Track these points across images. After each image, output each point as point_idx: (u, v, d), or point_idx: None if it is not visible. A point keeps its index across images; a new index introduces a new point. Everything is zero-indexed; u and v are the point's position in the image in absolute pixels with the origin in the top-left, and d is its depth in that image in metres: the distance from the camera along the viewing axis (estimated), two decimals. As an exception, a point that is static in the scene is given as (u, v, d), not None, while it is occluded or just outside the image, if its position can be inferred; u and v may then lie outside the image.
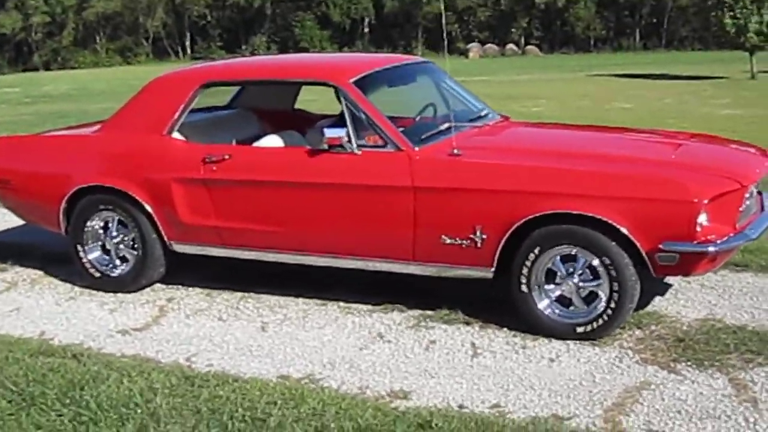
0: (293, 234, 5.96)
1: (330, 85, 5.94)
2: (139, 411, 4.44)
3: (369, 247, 5.81)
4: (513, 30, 67.61)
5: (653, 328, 5.51)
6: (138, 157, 6.35)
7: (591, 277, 5.33)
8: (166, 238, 6.34)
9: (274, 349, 5.45)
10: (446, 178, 5.50)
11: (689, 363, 5.00)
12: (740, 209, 5.24)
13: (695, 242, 5.06)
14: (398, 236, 5.66)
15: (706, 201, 5.03)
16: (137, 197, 6.28)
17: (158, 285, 6.63)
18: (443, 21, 46.90)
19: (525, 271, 5.40)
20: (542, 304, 5.42)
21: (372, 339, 5.55)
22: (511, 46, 65.64)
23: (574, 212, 5.18)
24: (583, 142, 6.14)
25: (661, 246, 5.09)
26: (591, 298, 5.37)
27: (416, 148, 5.64)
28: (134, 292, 6.54)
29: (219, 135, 6.55)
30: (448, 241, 5.53)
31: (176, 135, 6.31)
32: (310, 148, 5.98)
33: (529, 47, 65.83)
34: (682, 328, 5.49)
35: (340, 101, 5.89)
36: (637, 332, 5.45)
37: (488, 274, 5.55)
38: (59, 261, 7.16)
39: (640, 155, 5.59)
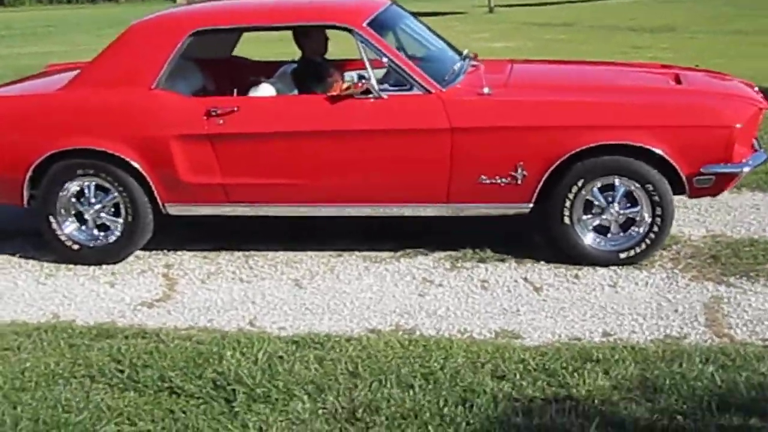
0: (314, 185, 5.72)
1: (345, 29, 5.71)
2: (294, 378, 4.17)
3: (399, 193, 5.71)
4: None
5: (674, 248, 5.85)
6: (124, 114, 5.80)
7: (629, 205, 5.55)
8: (160, 201, 5.87)
9: (332, 305, 5.26)
10: (485, 118, 5.50)
11: (738, 277, 5.38)
12: (757, 131, 5.66)
13: (731, 164, 5.42)
14: (433, 179, 5.61)
15: (739, 125, 5.39)
16: (127, 158, 5.74)
17: (140, 252, 6.14)
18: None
19: (567, 203, 5.54)
20: (585, 235, 5.59)
21: (422, 284, 5.49)
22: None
23: (621, 143, 5.37)
24: (599, 76, 6.35)
25: (701, 169, 5.41)
26: (627, 224, 5.61)
27: (444, 89, 5.59)
28: (118, 262, 6.01)
29: (197, 86, 6.11)
30: (487, 180, 5.55)
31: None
32: (330, 94, 5.74)
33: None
34: (702, 246, 5.86)
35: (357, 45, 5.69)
36: (665, 254, 5.76)
37: (526, 209, 5.64)
38: (8, 236, 6.44)
39: (664, 85, 5.86)
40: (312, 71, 6.40)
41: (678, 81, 5.91)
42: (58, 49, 22.66)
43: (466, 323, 4.94)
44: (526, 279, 5.50)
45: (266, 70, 6.83)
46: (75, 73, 6.20)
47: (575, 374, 4.09)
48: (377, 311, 5.15)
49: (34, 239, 6.36)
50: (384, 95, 5.56)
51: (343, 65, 6.80)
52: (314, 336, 4.69)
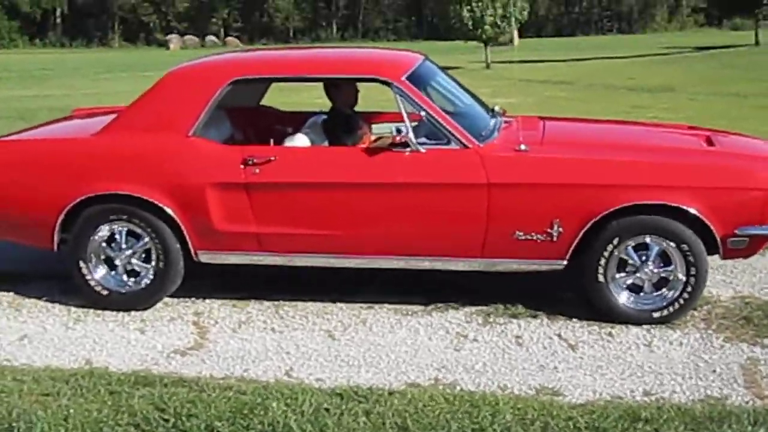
0: (348, 236, 5.72)
1: (384, 82, 5.76)
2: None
3: (433, 246, 5.72)
4: (213, 20, 67.13)
5: (705, 309, 5.86)
6: (160, 161, 5.80)
7: (662, 264, 5.58)
8: (192, 248, 5.85)
9: (368, 358, 5.24)
10: (522, 174, 5.54)
11: (772, 338, 5.40)
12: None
13: (765, 226, 5.46)
14: (468, 234, 5.62)
15: (772, 188, 5.45)
16: (161, 204, 5.74)
17: (168, 299, 6.10)
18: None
19: (602, 261, 5.56)
20: (619, 293, 5.60)
21: (457, 339, 5.48)
22: (211, 37, 65.13)
23: (658, 203, 5.41)
24: (633, 135, 6.41)
25: (736, 231, 5.45)
26: (659, 284, 5.62)
27: (482, 145, 5.63)
28: (147, 308, 5.97)
29: (230, 134, 6.12)
30: (523, 236, 5.57)
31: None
32: (367, 146, 5.77)
33: (229, 38, 65.64)
34: (733, 308, 5.87)
35: (395, 99, 5.73)
36: (696, 314, 5.77)
37: (560, 266, 5.65)
38: (37, 279, 6.42)
39: (698, 146, 5.92)
40: (342, 123, 6.44)
41: (710, 142, 5.97)
42: (58, 92, 22.75)
43: (505, 379, 4.92)
44: (560, 336, 5.50)
45: (294, 120, 6.88)
46: (108, 117, 6.22)
47: (627, 434, 4.07)
48: (414, 365, 5.13)
49: (60, 283, 6.33)
50: (422, 149, 5.59)
51: (370, 118, 6.84)
52: (356, 389, 4.66)
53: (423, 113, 5.66)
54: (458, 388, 4.79)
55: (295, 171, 5.70)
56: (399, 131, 5.58)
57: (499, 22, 29.17)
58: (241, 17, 68.72)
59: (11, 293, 6.31)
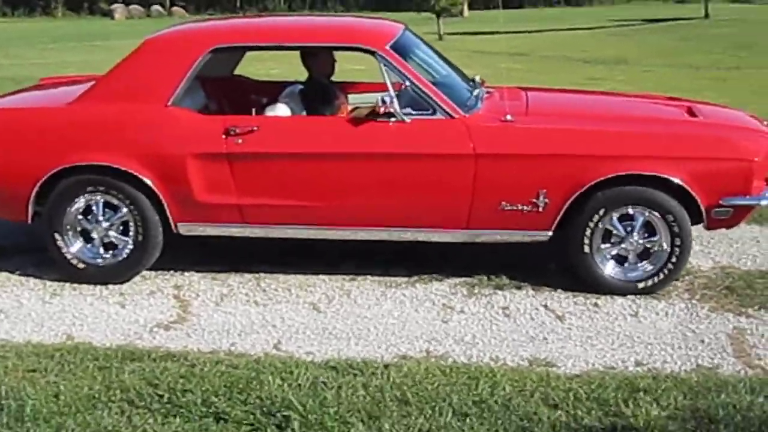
0: (331, 207, 5.64)
1: (367, 50, 5.68)
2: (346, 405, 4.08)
3: (417, 217, 5.66)
4: (158, -10, 65.90)
5: (687, 279, 5.88)
6: (139, 131, 5.66)
7: (647, 235, 5.58)
8: (171, 220, 5.73)
9: (356, 330, 5.18)
10: (509, 145, 5.49)
11: (756, 308, 5.43)
12: (769, 164, 5.74)
13: (749, 196, 5.49)
14: (453, 204, 5.58)
15: (758, 158, 5.48)
16: (141, 176, 5.60)
17: (146, 272, 5.96)
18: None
19: (588, 232, 5.55)
20: (605, 264, 5.60)
21: (444, 311, 5.44)
22: (156, 6, 63.94)
23: (645, 173, 5.40)
24: (616, 106, 6.39)
25: (720, 201, 5.47)
26: (644, 255, 5.63)
27: (467, 115, 5.57)
28: (125, 282, 5.84)
29: (208, 104, 5.99)
30: (508, 207, 5.54)
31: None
32: (352, 116, 5.69)
33: (174, 8, 64.44)
34: (714, 278, 5.91)
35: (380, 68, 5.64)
36: (679, 285, 5.80)
37: (545, 237, 5.64)
38: (8, 253, 6.28)
39: (682, 117, 5.91)
40: (320, 93, 6.34)
41: (691, 113, 5.97)
42: (5, 62, 22.20)
43: (496, 351, 4.91)
44: (546, 306, 5.49)
45: (269, 89, 6.76)
46: (81, 86, 6.05)
47: (628, 404, 4.07)
48: (403, 337, 5.09)
49: (33, 256, 6.17)
50: (407, 119, 5.52)
51: (346, 88, 6.75)
52: (350, 362, 4.61)
53: (407, 83, 5.58)
54: (450, 360, 4.76)
55: (279, 141, 5.59)
56: (383, 101, 5.49)
57: (453, -6, 29.05)
58: (187, -14, 67.49)
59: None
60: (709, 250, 6.45)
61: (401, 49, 5.77)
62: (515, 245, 5.80)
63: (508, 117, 5.56)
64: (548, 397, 4.16)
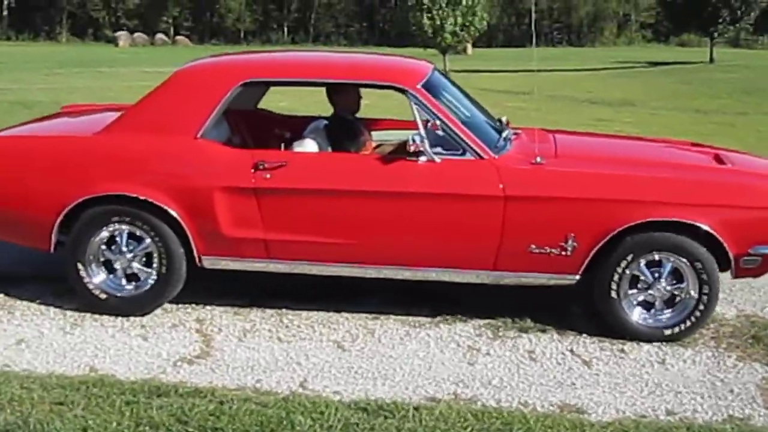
0: (359, 245, 5.61)
1: (400, 89, 5.67)
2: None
3: (446, 258, 5.63)
4: (163, 19, 66.40)
5: (712, 327, 5.84)
6: (167, 163, 5.64)
7: (674, 282, 5.55)
8: (196, 253, 5.68)
9: (382, 370, 5.13)
10: (539, 187, 5.47)
11: (783, 358, 5.40)
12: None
13: (778, 245, 5.47)
14: (481, 245, 5.54)
15: (787, 207, 5.46)
16: (167, 208, 5.56)
17: (167, 305, 5.91)
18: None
19: (616, 277, 5.51)
20: (632, 310, 5.57)
21: (469, 353, 5.40)
22: (160, 35, 64.34)
23: (675, 219, 5.38)
24: (644, 151, 6.38)
25: (749, 250, 5.44)
26: (670, 302, 5.60)
27: (496, 156, 5.56)
28: (146, 314, 5.79)
29: (235, 137, 5.97)
30: (536, 249, 5.51)
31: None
32: (382, 154, 5.67)
33: (179, 37, 64.91)
34: (740, 326, 5.87)
35: (410, 106, 5.64)
36: (704, 332, 5.75)
37: (572, 280, 5.60)
38: (28, 281, 6.20)
39: (711, 164, 5.90)
40: (345, 128, 6.33)
41: (719, 160, 5.97)
42: (14, 86, 22.24)
43: (525, 395, 4.85)
44: (572, 351, 5.44)
45: (293, 124, 6.75)
46: (107, 115, 6.04)
47: (667, 455, 4.02)
48: (429, 378, 5.03)
49: (52, 285, 6.12)
50: (437, 158, 5.50)
51: (369, 124, 6.74)
52: (381, 403, 4.55)
53: (438, 122, 5.56)
54: (480, 403, 4.71)
55: (308, 177, 5.57)
56: (414, 140, 5.48)
57: (458, 31, 29.20)
58: (191, 16, 68.03)
59: (1, 294, 6.06)
60: (732, 297, 6.41)
61: (432, 89, 5.77)
62: (536, 287, 5.76)
63: (538, 159, 5.55)
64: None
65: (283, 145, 6.05)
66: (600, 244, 5.45)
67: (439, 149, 5.57)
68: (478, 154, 5.52)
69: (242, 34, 67.73)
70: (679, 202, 5.43)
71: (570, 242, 5.47)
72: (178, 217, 5.59)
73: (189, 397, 4.56)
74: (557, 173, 5.53)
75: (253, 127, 6.55)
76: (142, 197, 5.57)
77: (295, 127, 6.62)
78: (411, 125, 6.64)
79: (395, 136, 6.77)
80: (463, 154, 5.55)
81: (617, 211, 5.41)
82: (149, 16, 65.77)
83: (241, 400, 4.53)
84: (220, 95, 5.66)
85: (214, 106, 5.65)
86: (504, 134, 5.93)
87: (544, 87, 25.46)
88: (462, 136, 5.55)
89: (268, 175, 5.53)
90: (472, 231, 5.52)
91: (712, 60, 33.82)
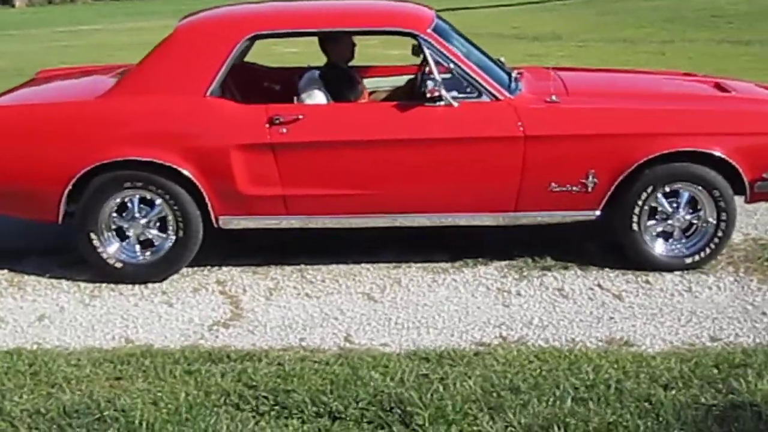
0: (380, 195, 5.54)
1: (410, 34, 5.58)
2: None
3: (466, 202, 5.60)
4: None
5: (725, 252, 5.93)
6: (177, 123, 5.47)
7: (692, 211, 5.63)
8: (213, 214, 5.54)
9: (421, 319, 5.12)
10: (557, 126, 5.47)
11: (805, 278, 5.54)
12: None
13: (792, 169, 5.58)
14: (503, 187, 5.53)
15: (800, 132, 5.57)
16: (182, 170, 5.40)
17: (183, 269, 5.76)
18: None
19: (636, 210, 5.56)
20: (653, 241, 5.63)
21: (500, 295, 5.41)
22: (58, -7, 62.35)
23: (692, 150, 5.44)
24: (649, 84, 6.41)
25: (763, 174, 5.54)
26: (688, 230, 5.68)
27: (512, 97, 5.53)
28: (163, 280, 5.64)
29: (245, 93, 5.82)
30: (557, 188, 5.52)
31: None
32: (398, 102, 5.59)
33: (78, -5, 62.97)
34: (750, 250, 5.98)
35: (421, 51, 5.56)
36: (719, 258, 5.85)
37: (593, 216, 5.64)
38: (22, 255, 5.98)
39: (716, 93, 5.95)
40: (342, 78, 6.21)
41: (721, 88, 6.03)
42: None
43: (569, 333, 4.91)
44: (600, 286, 5.50)
45: (283, 76, 6.62)
46: (103, 79, 5.83)
47: (739, 380, 4.08)
48: (471, 324, 5.04)
49: (54, 257, 5.92)
50: (455, 103, 5.44)
51: (360, 72, 6.63)
52: (439, 351, 4.54)
53: (452, 65, 5.50)
54: (530, 344, 4.73)
55: (326, 129, 5.47)
56: (430, 85, 5.40)
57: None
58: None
59: (5, 270, 5.84)
60: (733, 222, 6.53)
61: (441, 33, 5.68)
62: (552, 225, 5.78)
63: (554, 98, 5.54)
64: (655, 378, 4.16)
65: (273, 98, 5.91)
66: (620, 179, 5.48)
67: (454, 93, 5.51)
68: (495, 96, 5.48)
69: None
70: (694, 132, 5.48)
71: (590, 178, 5.49)
72: (194, 179, 5.44)
73: (245, 360, 4.47)
74: (575, 110, 5.53)
75: (247, 81, 6.37)
76: (158, 161, 5.38)
77: (286, 78, 6.48)
78: (399, 71, 6.61)
79: (386, 83, 6.69)
80: (479, 96, 5.50)
81: (636, 144, 5.44)
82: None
83: (298, 360, 4.47)
84: (228, 50, 5.49)
85: (222, 62, 5.48)
86: (514, 74, 5.89)
87: (469, 25, 25.34)
88: (478, 78, 5.50)
89: (284, 130, 5.41)
90: (493, 173, 5.50)
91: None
